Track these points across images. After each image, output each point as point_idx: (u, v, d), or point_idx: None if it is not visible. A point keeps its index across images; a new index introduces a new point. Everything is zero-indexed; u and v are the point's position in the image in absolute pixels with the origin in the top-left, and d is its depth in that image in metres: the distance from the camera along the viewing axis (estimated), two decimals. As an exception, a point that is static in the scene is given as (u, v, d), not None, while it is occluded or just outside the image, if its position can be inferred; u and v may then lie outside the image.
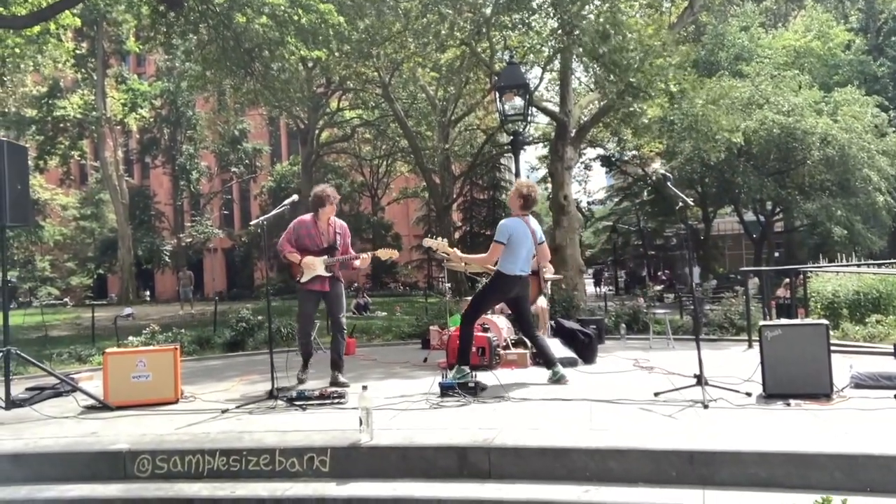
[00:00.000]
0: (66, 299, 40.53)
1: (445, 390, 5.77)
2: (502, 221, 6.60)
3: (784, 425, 4.36)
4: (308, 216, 6.70)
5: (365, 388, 4.46)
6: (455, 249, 7.02)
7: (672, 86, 14.37)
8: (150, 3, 16.65)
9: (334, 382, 6.51)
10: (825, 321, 5.30)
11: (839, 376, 5.28)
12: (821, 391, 5.04)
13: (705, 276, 28.80)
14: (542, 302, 8.88)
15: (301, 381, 6.79)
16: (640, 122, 15.03)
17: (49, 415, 5.84)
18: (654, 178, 33.22)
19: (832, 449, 3.78)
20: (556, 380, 6.31)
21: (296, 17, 14.76)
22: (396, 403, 5.56)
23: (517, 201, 6.61)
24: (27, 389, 6.74)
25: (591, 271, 46.48)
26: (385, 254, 6.90)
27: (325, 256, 6.62)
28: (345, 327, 6.96)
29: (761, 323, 5.73)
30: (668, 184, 6.00)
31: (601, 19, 13.65)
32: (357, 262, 6.78)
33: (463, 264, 9.18)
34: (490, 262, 6.69)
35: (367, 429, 4.37)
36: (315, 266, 6.56)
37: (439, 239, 6.92)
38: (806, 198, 25.42)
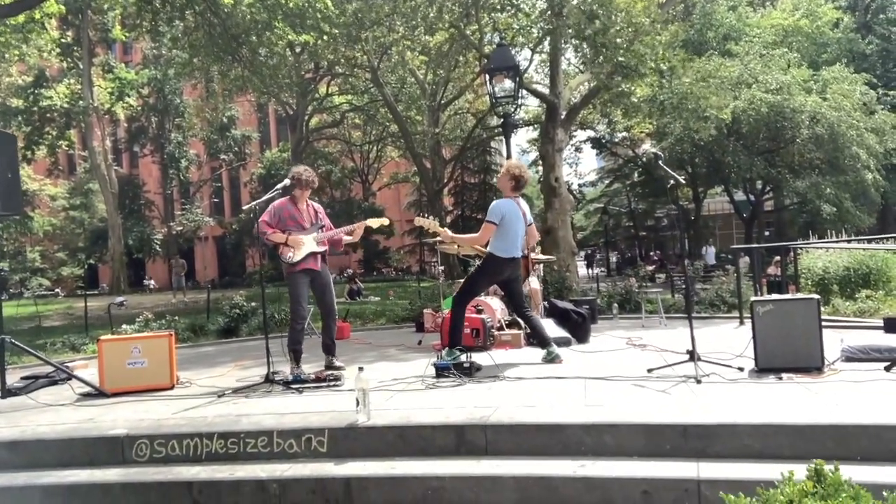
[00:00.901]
0: (56, 290, 40.39)
1: (441, 371, 5.81)
2: (495, 202, 6.56)
3: (776, 398, 4.41)
4: (285, 199, 6.48)
5: (361, 369, 4.49)
6: (445, 229, 7.00)
7: (662, 64, 14.37)
8: (135, -10, 16.51)
9: (329, 367, 6.50)
10: (816, 296, 5.34)
11: (830, 350, 5.35)
12: (812, 365, 5.10)
13: (696, 256, 28.95)
14: (534, 283, 8.93)
15: (335, 366, 6.58)
16: (629, 101, 15.02)
17: (45, 402, 5.85)
18: (645, 158, 33.28)
19: (824, 420, 3.84)
20: (551, 359, 6.35)
21: (283, 1, 14.65)
22: (392, 385, 5.60)
23: (508, 183, 6.58)
24: (22, 378, 6.74)
25: (582, 253, 46.60)
26: (375, 222, 6.89)
27: (315, 233, 6.50)
28: (336, 311, 6.92)
29: (753, 298, 5.78)
30: (660, 162, 6.01)
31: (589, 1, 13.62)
32: (348, 237, 6.70)
33: (455, 246, 9.22)
34: (481, 242, 6.66)
35: (365, 409, 4.40)
36: (305, 242, 6.38)
37: (430, 218, 6.89)
38: (796, 176, 25.57)
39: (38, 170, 41.51)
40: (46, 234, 44.01)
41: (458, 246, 9.32)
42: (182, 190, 48.95)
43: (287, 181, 6.46)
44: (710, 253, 29.85)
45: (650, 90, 15.65)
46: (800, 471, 3.39)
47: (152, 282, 43.77)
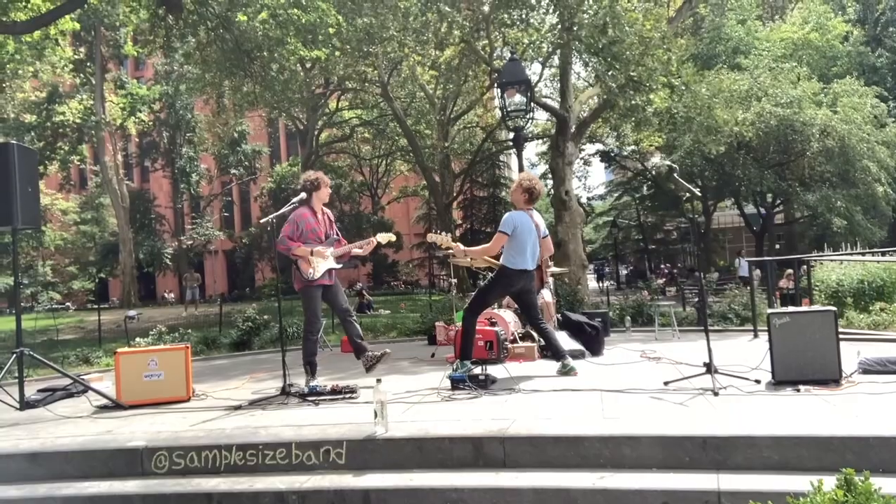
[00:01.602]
0: (67, 304, 40.58)
1: (456, 383, 5.81)
2: (508, 213, 6.55)
3: (795, 410, 4.40)
4: (305, 209, 6.46)
5: (379, 381, 4.51)
6: (458, 244, 7.00)
7: (673, 79, 14.40)
8: (148, 7, 16.68)
9: (372, 360, 6.50)
10: (833, 308, 5.33)
11: (847, 362, 5.32)
12: (830, 377, 5.09)
13: (707, 269, 28.83)
14: (546, 296, 8.93)
15: (376, 356, 6.60)
16: (643, 115, 15.00)
17: (63, 415, 5.88)
18: (658, 170, 33.23)
19: (844, 431, 3.82)
20: (566, 372, 6.34)
21: (295, 17, 14.78)
22: (408, 397, 5.61)
23: (522, 195, 6.56)
24: (39, 391, 6.78)
25: (592, 266, 46.57)
26: (384, 237, 6.93)
27: (332, 248, 6.53)
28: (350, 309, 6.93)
29: (769, 310, 5.77)
30: (675, 175, 6.03)
31: (600, 13, 13.68)
32: (358, 251, 6.73)
33: (468, 258, 9.24)
34: (492, 252, 6.64)
35: (382, 421, 4.41)
36: (325, 257, 6.40)
37: (442, 234, 6.92)
38: (806, 189, 25.50)
39: (50, 184, 41.82)
40: (58, 249, 44.28)
41: (472, 259, 9.35)
42: (193, 204, 49.21)
43: (303, 195, 6.50)
44: (743, 265, 28.90)
45: (664, 103, 15.62)
46: (821, 480, 3.41)
47: (172, 295, 43.82)
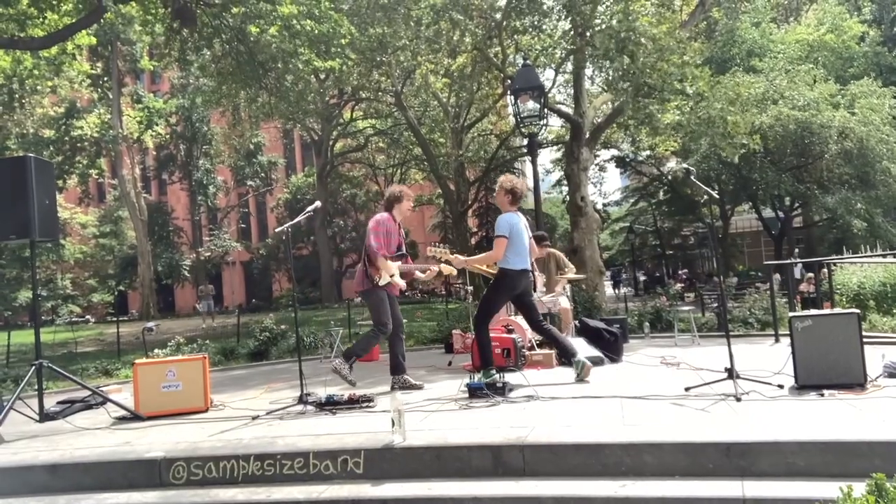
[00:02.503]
0: (87, 316, 40.92)
1: (474, 391, 5.77)
2: (501, 216, 6.58)
3: (819, 415, 4.32)
4: (385, 215, 6.60)
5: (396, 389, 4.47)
6: (456, 255, 6.94)
7: (688, 86, 14.31)
8: (163, 21, 16.85)
9: (406, 386, 6.52)
10: (856, 310, 5.24)
11: (872, 366, 5.22)
12: (854, 381, 4.99)
13: (726, 274, 28.57)
14: (564, 302, 8.88)
15: (412, 385, 6.59)
16: (658, 122, 14.92)
17: (82, 426, 5.90)
18: (675, 174, 33.02)
19: (871, 436, 3.74)
20: (580, 371, 6.30)
21: (308, 28, 14.86)
22: (426, 405, 5.57)
23: (505, 197, 6.63)
24: (58, 403, 6.82)
25: (608, 273, 46.39)
26: (446, 269, 7.02)
27: (399, 262, 6.63)
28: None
29: (791, 314, 5.68)
30: (692, 178, 5.97)
31: (614, 21, 13.61)
32: (423, 275, 6.89)
33: (485, 266, 9.21)
34: (497, 258, 6.59)
35: (400, 430, 4.38)
36: (393, 271, 6.49)
37: (440, 247, 6.93)
38: (825, 192, 25.23)
39: (69, 198, 42.27)
40: (77, 262, 44.68)
41: (487, 266, 9.32)
42: (210, 216, 49.52)
43: (317, 203, 6.60)
44: (798, 269, 27.21)
45: (678, 116, 15.50)
46: (847, 489, 3.33)
47: (200, 305, 43.94)
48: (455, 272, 7.27)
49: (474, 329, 6.73)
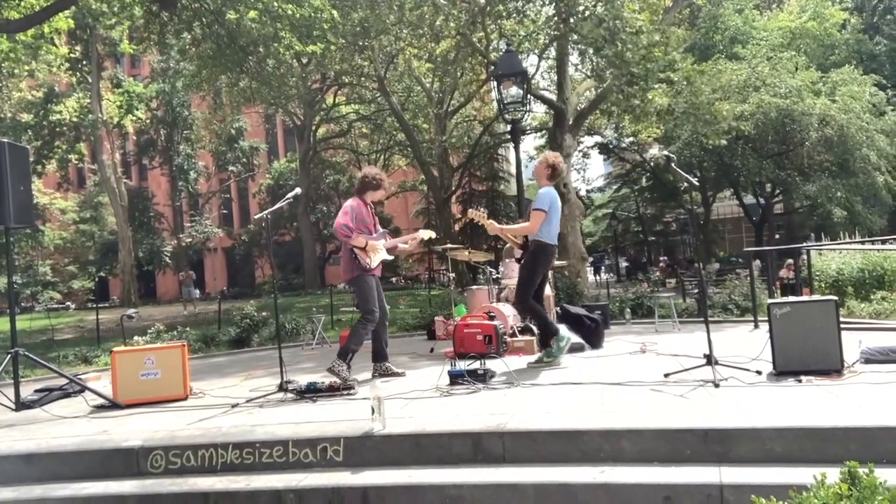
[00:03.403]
0: (68, 303, 40.55)
1: (454, 378, 5.76)
2: (543, 190, 6.50)
3: (797, 401, 4.35)
4: (356, 201, 6.47)
5: (375, 376, 4.45)
6: (492, 221, 6.85)
7: (673, 75, 14.32)
8: (142, 4, 16.60)
9: (386, 373, 6.50)
10: (834, 297, 5.28)
11: (849, 352, 5.27)
12: (831, 367, 5.03)
13: (707, 260, 28.80)
14: (546, 289, 8.89)
15: (393, 372, 6.55)
16: (644, 108, 14.89)
17: (59, 415, 5.84)
18: (656, 161, 33.16)
19: (847, 422, 3.77)
20: (559, 348, 6.42)
21: (289, 12, 14.69)
22: (406, 392, 5.56)
23: (546, 171, 6.60)
24: (36, 391, 6.73)
25: (590, 259, 46.61)
26: (427, 234, 7.05)
27: (382, 240, 6.54)
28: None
29: (769, 301, 5.71)
30: (672, 165, 5.98)
31: (599, 7, 13.55)
32: (407, 246, 6.87)
33: (467, 252, 9.20)
34: (533, 231, 6.50)
35: (380, 417, 4.36)
36: (379, 249, 6.40)
37: (479, 209, 6.90)
38: (805, 179, 25.43)
39: (49, 184, 41.75)
40: (57, 248, 44.23)
41: (469, 252, 9.31)
42: (191, 202, 49.15)
43: (297, 189, 6.51)
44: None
45: (665, 99, 15.48)
46: (824, 474, 3.37)
47: (197, 292, 43.34)
48: (434, 235, 7.28)
49: (522, 306, 6.74)
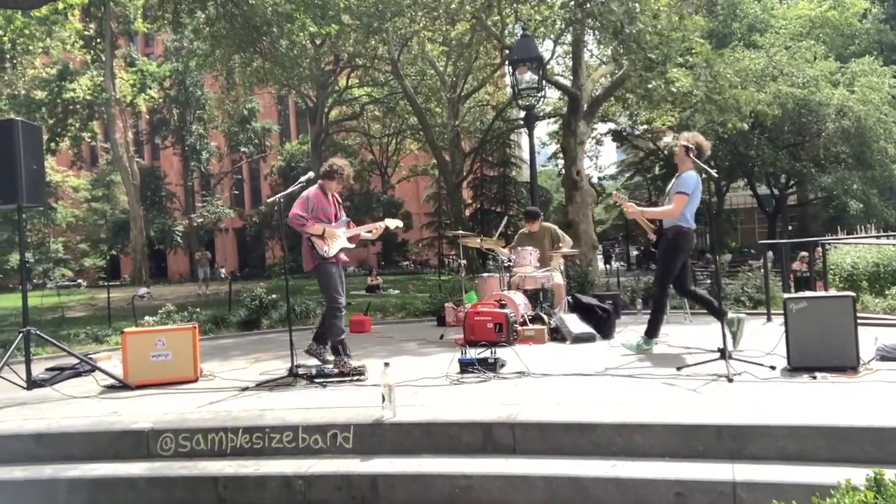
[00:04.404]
0: (79, 280, 40.81)
1: (465, 366, 5.74)
2: (688, 173, 6.23)
3: (812, 398, 4.30)
4: (315, 189, 6.35)
5: (387, 364, 4.43)
6: (632, 203, 6.63)
7: (691, 58, 14.16)
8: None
9: (319, 356, 6.41)
10: (851, 293, 5.21)
11: (864, 349, 5.20)
12: (847, 364, 4.97)
13: (719, 251, 28.63)
14: (557, 278, 8.84)
15: (324, 360, 6.40)
16: (665, 92, 14.65)
17: (70, 395, 5.85)
18: (674, 150, 32.85)
19: (862, 422, 3.72)
20: (736, 328, 6.15)
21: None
22: (416, 380, 5.53)
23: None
24: (47, 370, 6.76)
25: (600, 248, 46.43)
26: (392, 223, 6.96)
27: (343, 228, 6.44)
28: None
29: (786, 295, 5.64)
30: (690, 155, 5.89)
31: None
32: (367, 235, 6.72)
33: (479, 239, 9.15)
34: (675, 215, 6.22)
35: (390, 405, 4.35)
36: (338, 236, 6.29)
37: (621, 192, 6.68)
38: (821, 171, 25.20)
39: (62, 161, 41.87)
40: (69, 226, 44.45)
41: (482, 240, 9.26)
42: (203, 182, 49.23)
43: (310, 174, 6.44)
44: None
45: (687, 80, 15.18)
46: (837, 474, 3.32)
47: (222, 270, 43.47)
48: (402, 224, 7.21)
49: (658, 293, 6.53)
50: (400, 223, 7.12)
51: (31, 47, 21.33)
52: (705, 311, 6.63)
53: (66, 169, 42.63)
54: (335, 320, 6.24)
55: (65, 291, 26.53)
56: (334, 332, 6.25)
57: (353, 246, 6.49)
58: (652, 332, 6.42)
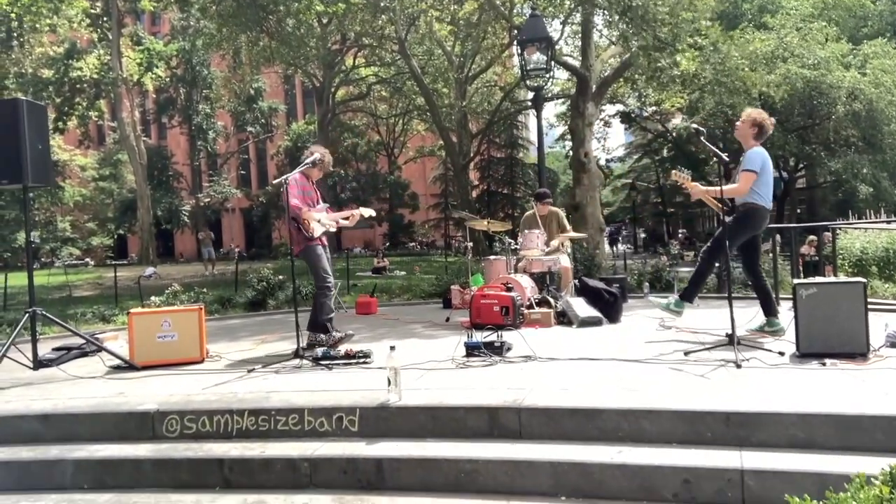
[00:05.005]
0: (87, 259, 40.95)
1: (471, 350, 5.71)
2: (753, 150, 6.08)
3: (821, 385, 4.26)
4: (298, 175, 6.48)
5: (393, 348, 4.41)
6: (695, 184, 6.36)
7: (701, 40, 13.99)
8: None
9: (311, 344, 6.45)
10: (862, 279, 5.15)
11: (874, 335, 5.15)
12: (857, 350, 4.92)
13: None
14: (564, 261, 8.79)
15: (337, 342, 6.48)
16: (672, 73, 14.52)
17: (76, 375, 5.86)
18: (681, 132, 32.59)
19: (873, 410, 3.67)
20: (774, 331, 6.01)
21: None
22: (422, 363, 5.52)
23: (751, 129, 6.12)
24: (53, 349, 6.77)
25: (607, 230, 46.33)
26: (367, 212, 7.15)
27: (324, 213, 6.63)
28: None
29: (796, 281, 5.59)
30: (702, 138, 5.81)
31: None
32: (347, 222, 6.93)
33: (486, 222, 9.11)
34: (742, 193, 6.07)
35: (396, 388, 4.33)
36: (319, 217, 6.50)
37: (683, 171, 6.43)
38: (831, 154, 24.98)
39: (69, 140, 41.89)
40: (77, 205, 44.55)
41: (488, 222, 9.21)
42: (210, 161, 49.20)
43: (316, 155, 6.47)
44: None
45: (693, 64, 15.04)
46: (847, 462, 3.29)
47: (236, 250, 43.76)
48: (374, 213, 7.42)
49: (706, 258, 6.32)
50: (373, 212, 7.38)
51: (37, 25, 21.29)
52: (756, 298, 6.38)
53: (74, 148, 42.66)
54: (325, 299, 6.50)
55: (72, 270, 26.66)
56: (324, 311, 6.48)
57: (334, 229, 6.78)
58: (688, 295, 6.25)
